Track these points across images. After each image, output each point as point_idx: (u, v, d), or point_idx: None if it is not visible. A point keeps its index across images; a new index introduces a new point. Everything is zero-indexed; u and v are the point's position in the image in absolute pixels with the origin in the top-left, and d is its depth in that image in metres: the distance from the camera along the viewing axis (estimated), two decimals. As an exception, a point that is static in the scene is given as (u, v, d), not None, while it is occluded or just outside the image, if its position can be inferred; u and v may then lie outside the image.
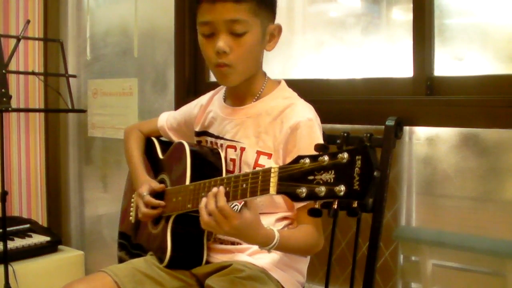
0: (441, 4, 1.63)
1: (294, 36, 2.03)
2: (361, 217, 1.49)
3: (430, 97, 1.61)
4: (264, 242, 1.18)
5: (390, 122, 1.52)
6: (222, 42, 1.27)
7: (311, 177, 0.93)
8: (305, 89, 1.87)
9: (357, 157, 0.88)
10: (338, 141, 0.95)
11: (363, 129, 1.64)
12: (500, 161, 1.56)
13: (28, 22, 2.23)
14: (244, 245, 1.34)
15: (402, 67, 1.69)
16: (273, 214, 1.36)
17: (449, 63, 1.64)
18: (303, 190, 0.93)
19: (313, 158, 0.94)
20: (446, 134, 1.63)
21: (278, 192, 0.99)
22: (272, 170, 1.00)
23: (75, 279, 1.37)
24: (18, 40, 2.18)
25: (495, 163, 1.56)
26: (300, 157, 0.96)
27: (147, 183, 1.44)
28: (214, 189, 1.12)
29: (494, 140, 1.56)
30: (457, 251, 1.66)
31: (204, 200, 1.13)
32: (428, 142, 1.67)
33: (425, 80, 1.61)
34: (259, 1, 1.29)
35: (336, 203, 0.92)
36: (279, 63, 2.01)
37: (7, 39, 2.41)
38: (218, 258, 1.37)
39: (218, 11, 1.26)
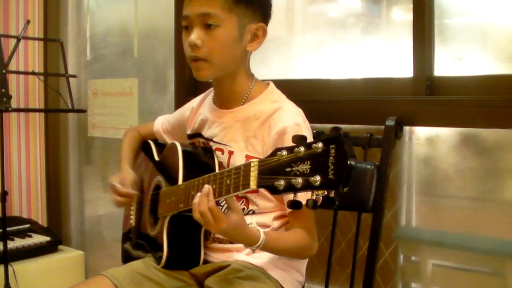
0: (441, 4, 1.63)
1: (294, 36, 2.03)
2: (360, 216, 1.50)
3: (430, 97, 1.61)
4: (249, 242, 1.20)
5: (390, 122, 1.52)
6: (194, 35, 1.30)
7: (288, 169, 0.93)
8: (305, 89, 1.88)
9: (331, 146, 0.88)
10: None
11: (363, 129, 1.64)
12: (500, 161, 1.56)
13: (28, 22, 2.23)
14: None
15: (402, 67, 1.69)
16: (271, 213, 1.36)
17: (449, 63, 1.64)
18: (281, 183, 0.93)
19: (289, 149, 0.94)
20: (446, 134, 1.63)
21: (259, 186, 0.99)
22: (252, 164, 1.01)
23: (75, 283, 1.38)
24: (18, 40, 2.18)
25: (495, 163, 1.56)
26: (277, 149, 0.96)
27: (120, 173, 1.52)
28: (205, 188, 1.13)
29: (494, 140, 1.56)
30: (457, 251, 1.65)
31: (198, 196, 1.14)
32: (428, 142, 1.67)
33: (425, 80, 1.61)
34: None
35: (314, 193, 0.92)
36: (279, 63, 2.01)
37: (7, 39, 2.41)
38: (217, 258, 1.37)
39: (193, 5, 1.31)
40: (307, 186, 0.90)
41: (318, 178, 0.88)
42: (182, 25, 1.35)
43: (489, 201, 1.59)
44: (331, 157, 0.87)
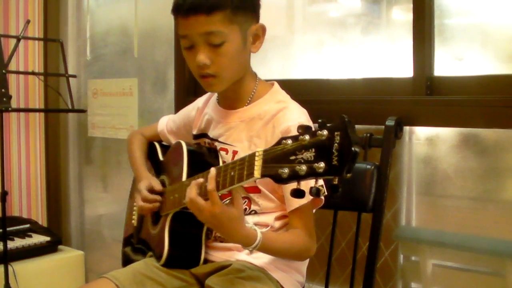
0: (441, 4, 1.63)
1: (294, 36, 2.03)
2: (360, 216, 1.50)
3: (430, 97, 1.61)
4: (246, 242, 1.18)
5: (390, 122, 1.52)
6: (202, 56, 1.28)
7: (293, 157, 0.93)
8: (305, 89, 1.89)
9: (336, 133, 0.88)
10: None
11: (363, 129, 1.64)
12: (500, 161, 1.56)
13: (28, 22, 2.23)
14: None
15: (402, 67, 1.69)
16: (272, 213, 1.36)
17: (449, 63, 1.64)
18: (285, 171, 0.93)
19: (294, 138, 0.94)
20: (446, 134, 1.63)
21: (263, 175, 0.99)
22: (257, 154, 1.00)
23: (76, 287, 1.37)
24: (18, 40, 2.18)
25: (495, 163, 1.56)
26: (282, 138, 0.96)
27: (147, 179, 1.47)
28: (200, 180, 1.13)
29: (494, 140, 1.56)
30: (457, 251, 1.66)
31: (191, 185, 1.15)
32: (428, 142, 1.67)
33: (425, 80, 1.61)
34: (234, 8, 1.26)
35: (317, 181, 0.91)
36: (279, 63, 2.01)
37: (7, 39, 2.41)
38: (218, 257, 1.37)
39: (192, 24, 1.27)
40: (311, 173, 0.89)
41: (322, 164, 0.88)
42: (182, 44, 1.31)
43: (489, 201, 1.59)
44: (336, 144, 0.87)
